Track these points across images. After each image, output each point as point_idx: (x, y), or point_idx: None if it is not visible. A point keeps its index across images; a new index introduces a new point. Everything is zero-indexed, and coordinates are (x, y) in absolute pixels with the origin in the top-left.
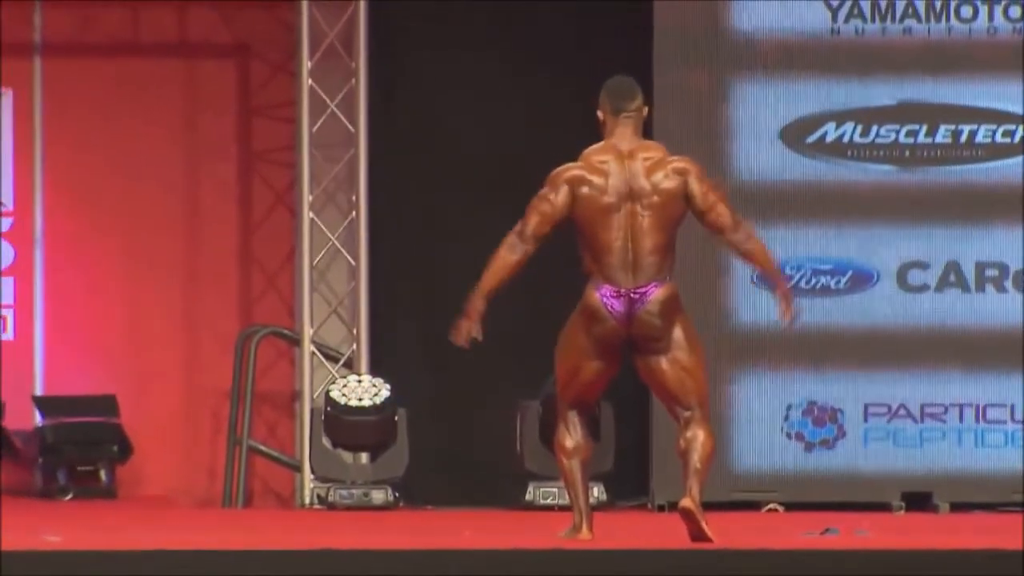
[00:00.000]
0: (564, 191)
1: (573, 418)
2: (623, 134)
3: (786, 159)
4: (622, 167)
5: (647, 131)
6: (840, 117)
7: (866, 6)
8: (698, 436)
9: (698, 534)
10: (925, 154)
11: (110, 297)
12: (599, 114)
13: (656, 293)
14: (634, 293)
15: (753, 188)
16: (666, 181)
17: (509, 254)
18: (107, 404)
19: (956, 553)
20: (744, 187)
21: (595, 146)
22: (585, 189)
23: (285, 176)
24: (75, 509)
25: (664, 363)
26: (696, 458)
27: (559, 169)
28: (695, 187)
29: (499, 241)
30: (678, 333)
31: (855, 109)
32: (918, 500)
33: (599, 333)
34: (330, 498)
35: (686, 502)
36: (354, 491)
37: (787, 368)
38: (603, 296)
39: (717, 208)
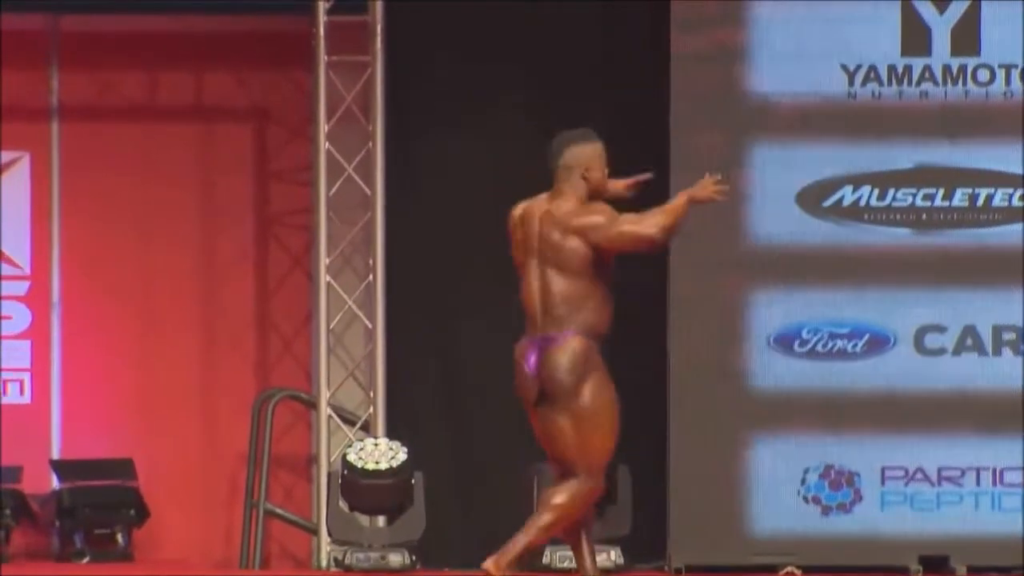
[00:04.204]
0: None
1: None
2: (556, 190)
3: (803, 223)
4: (534, 222)
5: (663, 195)
6: (857, 180)
7: (883, 69)
8: (552, 498)
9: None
10: (942, 217)
11: (127, 360)
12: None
13: (562, 342)
14: (542, 341)
15: (769, 252)
16: (568, 239)
17: None
18: (124, 467)
19: None
20: (760, 251)
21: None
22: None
23: (302, 239)
24: (92, 572)
25: (560, 422)
26: (533, 518)
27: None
28: (597, 240)
29: (516, 306)
30: (585, 392)
31: (872, 172)
32: (935, 563)
33: (519, 385)
34: (347, 561)
35: (487, 563)
36: (371, 554)
37: (804, 432)
38: (520, 346)
39: (623, 235)
